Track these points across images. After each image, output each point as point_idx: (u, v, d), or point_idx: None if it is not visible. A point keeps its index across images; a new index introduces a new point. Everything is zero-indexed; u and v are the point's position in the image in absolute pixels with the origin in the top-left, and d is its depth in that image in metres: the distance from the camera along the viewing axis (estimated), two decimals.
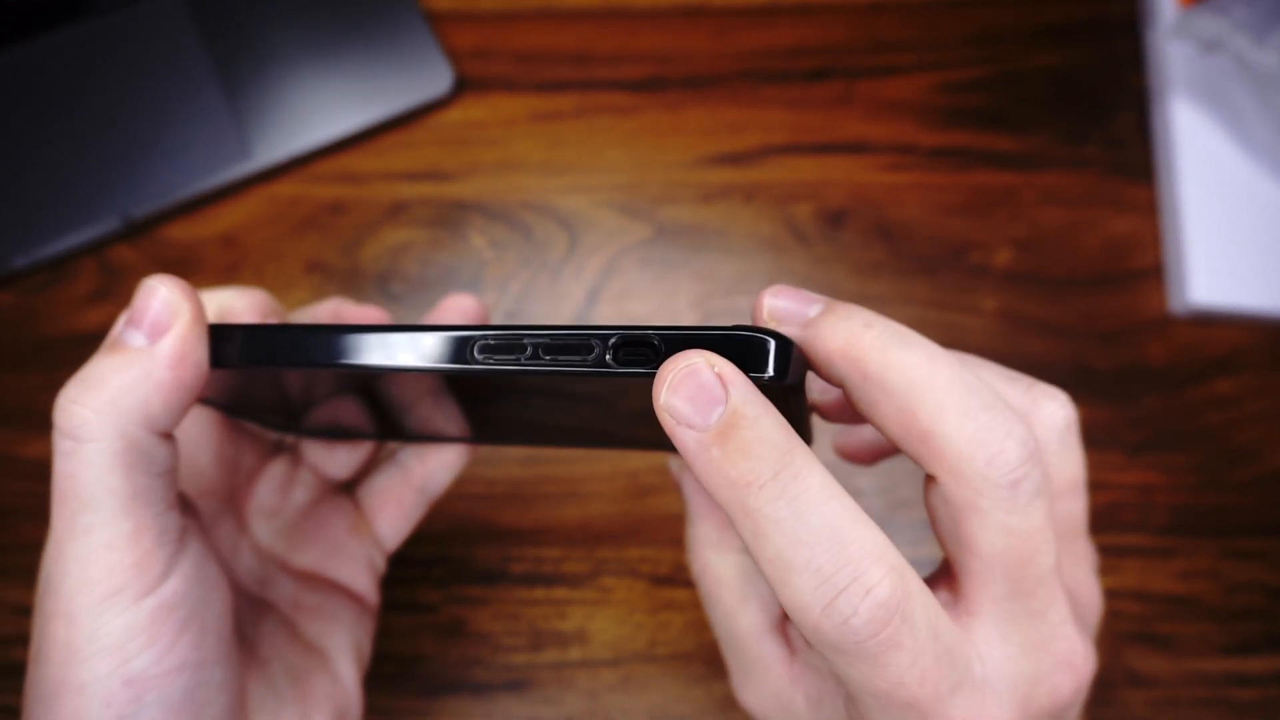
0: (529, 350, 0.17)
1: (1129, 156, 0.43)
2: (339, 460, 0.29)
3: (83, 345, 0.40)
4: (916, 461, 0.17)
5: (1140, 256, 0.42)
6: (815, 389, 0.23)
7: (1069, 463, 0.20)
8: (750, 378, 0.16)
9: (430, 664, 0.36)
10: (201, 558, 0.21)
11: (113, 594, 0.19)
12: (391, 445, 0.30)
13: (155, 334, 0.19)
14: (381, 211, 0.42)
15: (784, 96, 0.44)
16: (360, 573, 0.28)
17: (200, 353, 0.20)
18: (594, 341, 0.17)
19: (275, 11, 0.44)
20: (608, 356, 0.17)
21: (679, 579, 0.37)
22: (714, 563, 0.24)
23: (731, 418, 0.16)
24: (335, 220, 0.42)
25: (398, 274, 0.41)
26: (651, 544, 0.38)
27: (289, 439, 0.29)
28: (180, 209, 0.42)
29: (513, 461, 0.39)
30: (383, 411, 0.25)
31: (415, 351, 0.18)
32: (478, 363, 0.17)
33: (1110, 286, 0.41)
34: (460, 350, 0.18)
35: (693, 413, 0.16)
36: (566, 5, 0.45)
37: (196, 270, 0.41)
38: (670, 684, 0.36)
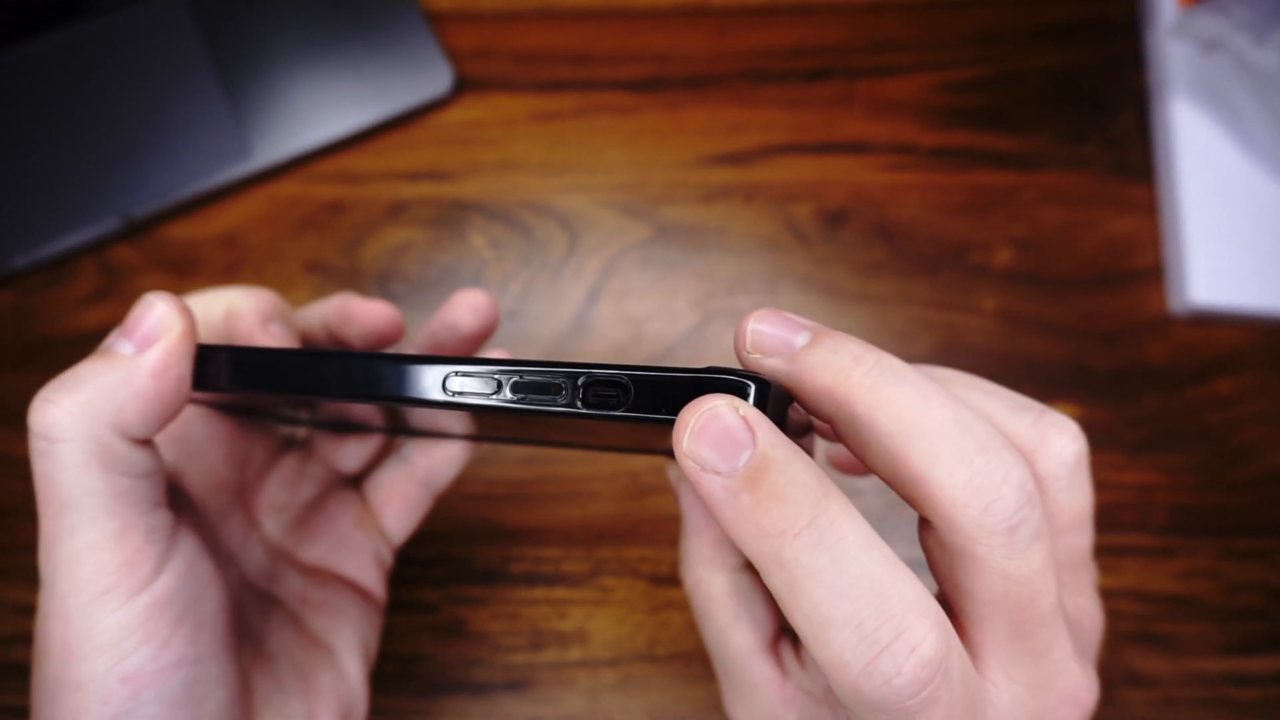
0: (499, 387, 0.17)
1: (1129, 156, 0.43)
2: (350, 453, 0.29)
3: (83, 345, 0.40)
4: (910, 504, 0.17)
5: (1140, 256, 0.42)
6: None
7: (1078, 499, 0.19)
8: None
9: (430, 664, 0.36)
10: (195, 554, 0.21)
11: (104, 593, 0.19)
12: (396, 440, 0.30)
13: (144, 345, 0.20)
14: (381, 211, 0.42)
15: (784, 96, 0.44)
16: (367, 566, 0.28)
17: (184, 368, 0.20)
18: (563, 382, 0.16)
19: (275, 11, 0.44)
20: (577, 400, 0.16)
21: (679, 579, 0.37)
22: (706, 580, 0.24)
23: (761, 462, 0.15)
24: (335, 220, 0.42)
25: (398, 274, 0.41)
26: (651, 544, 0.38)
27: (299, 435, 0.29)
28: (180, 209, 0.42)
29: (513, 461, 0.39)
30: (390, 409, 0.25)
31: (389, 383, 0.18)
32: (449, 397, 0.17)
33: (1110, 286, 0.41)
34: (433, 384, 0.18)
35: (719, 459, 0.15)
36: (566, 5, 0.45)
37: (196, 270, 0.41)
38: (670, 684, 0.36)
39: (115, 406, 0.19)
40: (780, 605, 0.15)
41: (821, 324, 0.18)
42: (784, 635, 0.23)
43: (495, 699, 0.36)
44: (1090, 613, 0.20)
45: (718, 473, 0.15)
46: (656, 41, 0.45)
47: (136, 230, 0.42)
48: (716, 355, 0.40)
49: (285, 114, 0.42)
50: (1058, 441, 0.19)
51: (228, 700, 0.21)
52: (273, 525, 0.27)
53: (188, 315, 0.20)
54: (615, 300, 0.41)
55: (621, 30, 0.45)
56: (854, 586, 0.14)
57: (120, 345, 0.20)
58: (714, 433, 0.15)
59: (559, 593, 0.37)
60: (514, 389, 0.17)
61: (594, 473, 0.38)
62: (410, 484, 0.29)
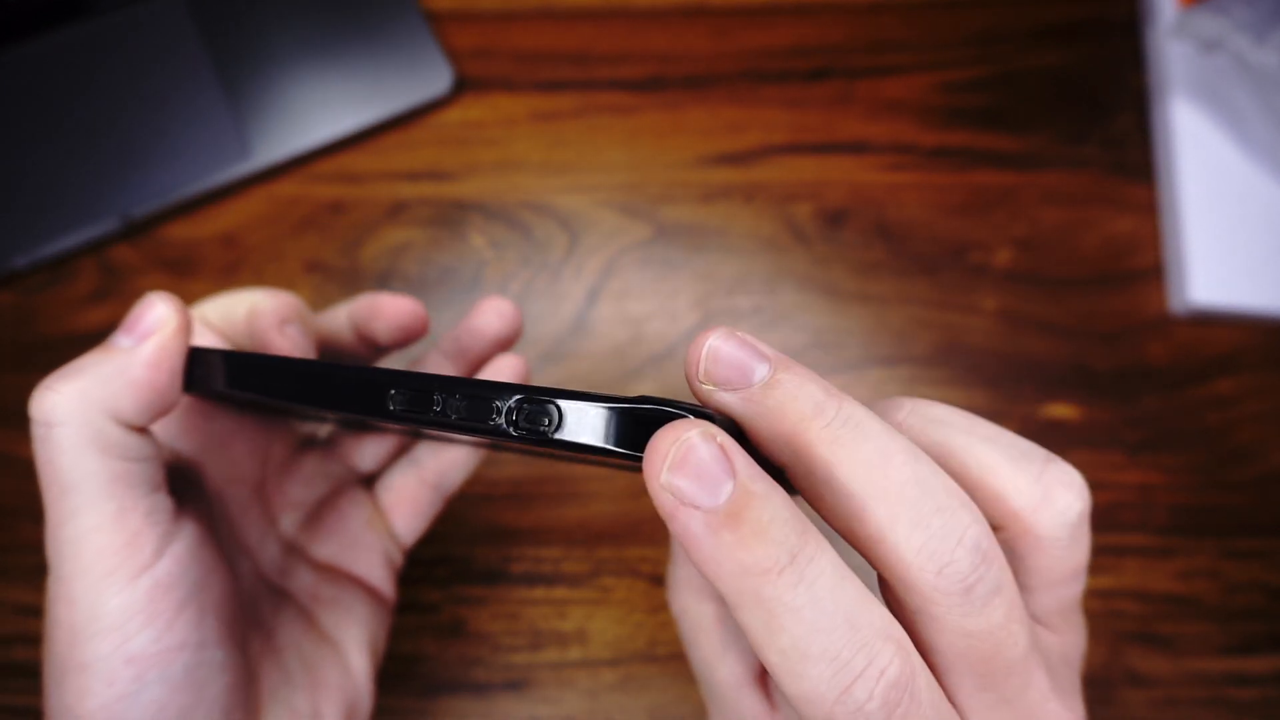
0: (437, 404, 0.17)
1: (1129, 156, 0.43)
2: (367, 452, 0.29)
3: (82, 345, 0.39)
4: (863, 558, 0.16)
5: (1140, 256, 0.42)
6: None
7: (1076, 555, 0.19)
8: None
9: (430, 664, 0.36)
10: (198, 540, 0.21)
11: (108, 574, 0.19)
12: (411, 442, 0.30)
13: (142, 339, 0.21)
14: (381, 211, 0.42)
15: (784, 96, 0.44)
16: (377, 566, 0.28)
17: (178, 361, 0.21)
18: (495, 403, 0.16)
19: (275, 11, 0.44)
20: (507, 424, 0.16)
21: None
22: (694, 609, 0.23)
23: (742, 497, 0.14)
24: (335, 220, 0.42)
25: (398, 274, 0.41)
26: (651, 544, 0.38)
27: (319, 433, 0.30)
28: (180, 209, 0.42)
29: (513, 461, 0.39)
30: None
31: (339, 396, 0.18)
32: (392, 413, 0.17)
33: (1110, 286, 0.41)
34: (377, 399, 0.17)
35: (699, 492, 0.14)
36: (566, 5, 0.45)
37: (196, 270, 0.41)
38: (670, 684, 0.36)
39: (110, 393, 0.20)
40: (752, 641, 0.15)
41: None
42: None
43: (495, 699, 0.36)
44: (1074, 644, 0.20)
45: (698, 507, 0.14)
46: (656, 41, 0.45)
47: (136, 230, 0.42)
48: None
49: (285, 114, 0.42)
50: (1062, 500, 0.18)
51: (231, 686, 0.22)
52: (288, 521, 0.28)
53: (184, 313, 0.21)
54: (615, 300, 0.41)
55: (621, 30, 0.45)
56: (831, 620, 0.14)
57: (119, 339, 0.21)
58: (693, 465, 0.14)
59: (559, 593, 0.37)
60: (450, 409, 0.17)
61: (594, 473, 0.38)
62: (420, 486, 0.29)
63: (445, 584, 0.37)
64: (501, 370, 0.28)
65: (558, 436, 0.15)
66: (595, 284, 0.41)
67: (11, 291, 0.41)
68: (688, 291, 0.41)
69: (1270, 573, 0.38)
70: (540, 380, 0.40)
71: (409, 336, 0.28)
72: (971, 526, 0.15)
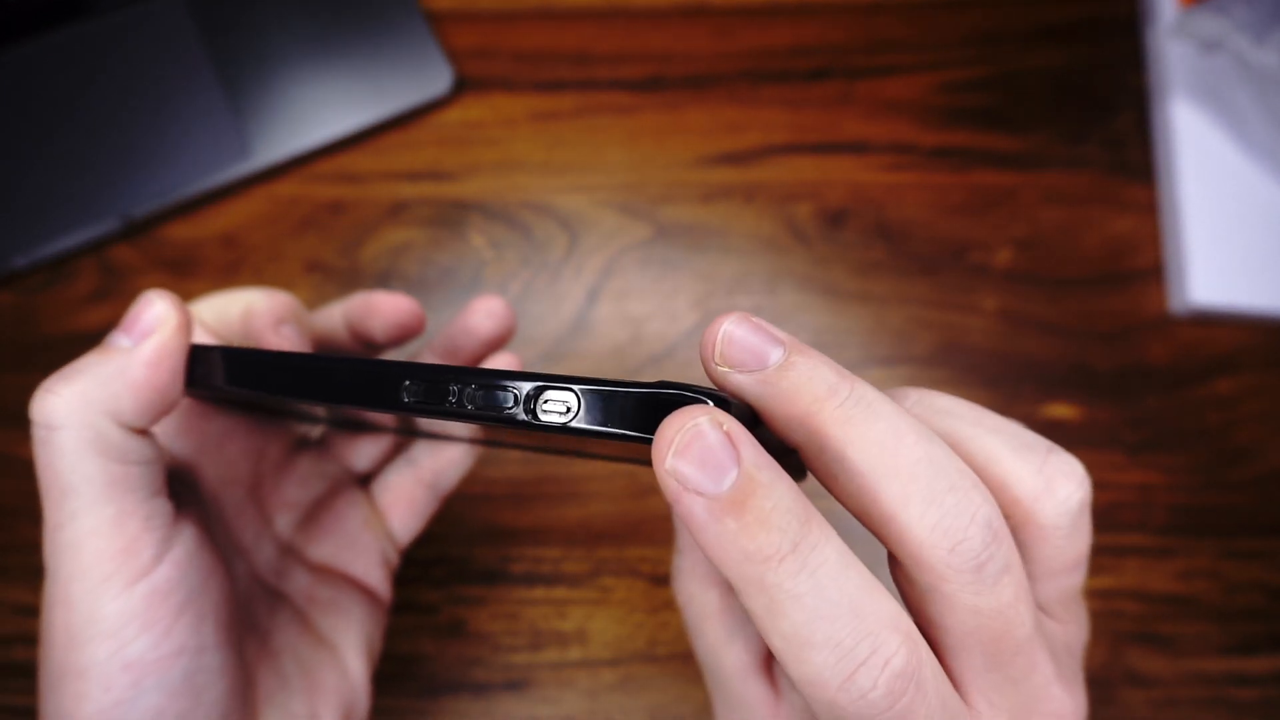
0: (453, 395, 0.17)
1: (1129, 156, 0.43)
2: (363, 452, 0.29)
3: (82, 345, 0.39)
4: (876, 538, 0.17)
5: (1140, 256, 0.42)
6: None
7: (1077, 544, 0.19)
8: None
9: (430, 664, 0.36)
10: (196, 544, 0.21)
11: (105, 579, 0.19)
12: (406, 441, 0.30)
13: (141, 339, 0.20)
14: (381, 211, 0.42)
15: (784, 96, 0.44)
16: (373, 567, 0.28)
17: (178, 360, 0.20)
18: (513, 391, 0.16)
19: (275, 11, 0.44)
20: (525, 412, 0.16)
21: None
22: (699, 596, 0.24)
23: (746, 484, 0.14)
24: (335, 220, 0.42)
25: (397, 274, 0.41)
26: (651, 543, 0.38)
27: (314, 434, 0.29)
28: (180, 209, 0.42)
29: (513, 461, 0.39)
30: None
31: (350, 390, 0.18)
32: (407, 405, 0.17)
33: (1110, 286, 0.41)
34: (391, 391, 0.17)
35: (703, 479, 0.14)
36: (566, 5, 0.45)
37: (196, 270, 0.41)
38: (670, 684, 0.36)
39: (110, 395, 0.20)
40: (757, 624, 0.15)
41: (797, 336, 0.17)
42: None
43: (495, 699, 0.36)
44: (1077, 634, 0.20)
45: (701, 494, 0.14)
46: (656, 41, 0.45)
47: (136, 230, 0.42)
48: None
49: (285, 114, 0.42)
50: (1063, 490, 0.18)
51: (229, 691, 0.21)
52: (283, 523, 0.28)
53: (183, 311, 0.21)
54: (615, 300, 0.41)
55: (621, 30, 0.45)
56: (834, 608, 0.14)
57: (118, 339, 0.20)
58: (698, 450, 0.14)
59: (559, 593, 0.37)
60: (467, 398, 0.17)
61: (593, 473, 0.38)
62: (417, 485, 0.29)
63: (445, 584, 0.37)
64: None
65: (576, 424, 0.15)
66: (595, 284, 0.41)
67: (11, 291, 0.41)
68: (687, 291, 0.41)
69: (1270, 573, 0.38)
70: None
71: (405, 334, 0.27)
72: (983, 505, 0.16)
